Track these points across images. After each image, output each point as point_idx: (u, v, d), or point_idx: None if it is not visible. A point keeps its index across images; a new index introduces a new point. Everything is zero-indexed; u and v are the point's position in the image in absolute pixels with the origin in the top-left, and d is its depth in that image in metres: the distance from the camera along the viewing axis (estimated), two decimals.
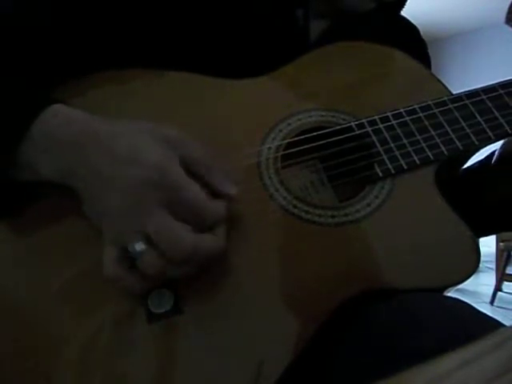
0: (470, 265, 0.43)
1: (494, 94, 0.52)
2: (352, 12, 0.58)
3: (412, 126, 0.50)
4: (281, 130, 0.48)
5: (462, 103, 0.51)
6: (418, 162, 0.48)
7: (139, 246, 0.36)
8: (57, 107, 0.40)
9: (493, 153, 0.58)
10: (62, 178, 0.39)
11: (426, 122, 0.50)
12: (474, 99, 0.52)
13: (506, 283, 3.26)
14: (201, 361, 0.37)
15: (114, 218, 0.37)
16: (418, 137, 0.49)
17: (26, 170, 0.40)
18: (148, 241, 0.36)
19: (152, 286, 0.38)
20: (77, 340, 0.37)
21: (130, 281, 0.37)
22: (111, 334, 0.38)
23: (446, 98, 0.52)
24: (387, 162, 0.47)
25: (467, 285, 3.12)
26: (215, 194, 0.40)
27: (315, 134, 0.48)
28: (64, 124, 0.39)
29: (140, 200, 0.36)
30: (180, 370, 0.37)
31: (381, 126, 0.49)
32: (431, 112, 0.51)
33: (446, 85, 0.54)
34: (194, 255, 0.37)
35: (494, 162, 0.57)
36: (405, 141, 0.49)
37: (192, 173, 0.39)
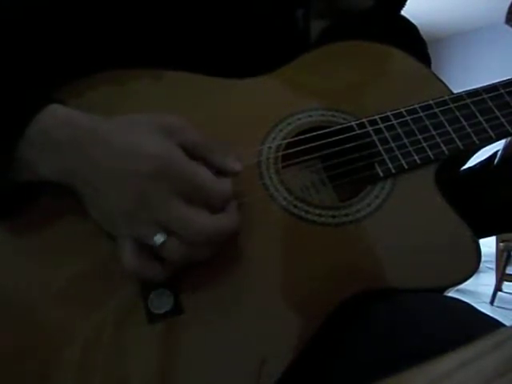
0: (471, 265, 0.43)
1: (495, 93, 0.52)
2: (352, 10, 0.58)
3: (413, 126, 0.49)
4: (281, 130, 0.48)
5: (462, 103, 0.51)
6: (418, 161, 0.47)
7: (159, 239, 0.37)
8: (55, 107, 0.40)
9: (495, 153, 0.58)
10: (61, 179, 0.39)
11: (427, 122, 0.50)
12: (475, 98, 0.52)
13: (506, 283, 3.26)
14: (201, 361, 0.37)
15: (123, 213, 0.37)
16: (419, 136, 0.49)
17: (25, 170, 0.40)
18: (166, 231, 0.37)
19: (175, 271, 0.38)
20: (77, 340, 0.37)
21: (152, 270, 0.38)
22: (112, 334, 0.38)
23: (446, 98, 0.52)
24: (388, 161, 0.47)
25: (467, 285, 3.10)
26: (219, 173, 0.40)
27: (316, 133, 0.48)
28: (62, 124, 0.39)
29: (146, 192, 0.37)
30: (181, 370, 0.37)
31: (381, 125, 0.49)
32: (432, 111, 0.51)
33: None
34: (213, 236, 0.37)
35: (497, 162, 0.57)
36: (405, 140, 0.49)
37: (194, 157, 0.39)
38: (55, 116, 0.39)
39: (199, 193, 0.38)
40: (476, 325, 0.35)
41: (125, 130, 0.39)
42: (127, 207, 0.37)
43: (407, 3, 0.64)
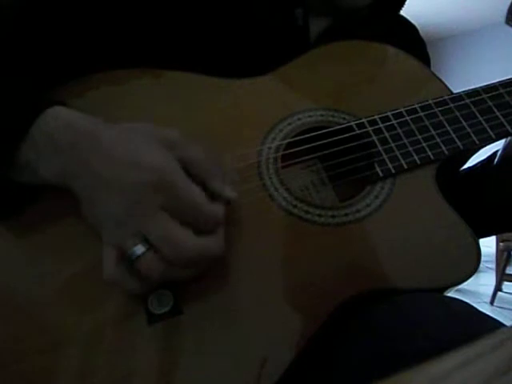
0: (471, 265, 0.43)
1: (494, 92, 0.52)
2: (350, 8, 0.57)
3: (412, 126, 0.49)
4: (281, 130, 0.48)
5: (462, 102, 0.51)
6: (418, 161, 0.47)
7: (138, 249, 0.36)
8: (57, 109, 0.40)
9: (494, 153, 0.58)
10: (60, 181, 0.39)
11: (427, 122, 0.50)
12: (475, 98, 0.52)
13: (506, 283, 3.26)
14: (201, 361, 0.37)
15: (114, 221, 0.37)
16: (419, 136, 0.49)
17: (26, 171, 0.40)
18: (148, 243, 0.36)
19: (152, 288, 0.38)
20: (77, 340, 0.37)
21: (129, 283, 0.37)
22: (112, 334, 0.38)
23: (446, 97, 0.52)
24: (387, 161, 0.47)
25: (467, 285, 3.12)
26: (214, 196, 0.39)
27: (315, 133, 0.48)
28: (64, 126, 0.39)
29: (140, 203, 0.36)
30: (181, 371, 0.37)
31: (381, 125, 0.49)
32: (432, 111, 0.51)
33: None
34: (194, 258, 0.37)
35: (496, 162, 0.57)
36: (405, 140, 0.49)
37: (192, 175, 0.38)
38: (57, 118, 0.39)
39: (189, 212, 0.37)
40: (476, 325, 0.35)
41: (126, 139, 0.38)
42: (117, 215, 0.37)
43: (407, 3, 0.64)
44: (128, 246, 0.36)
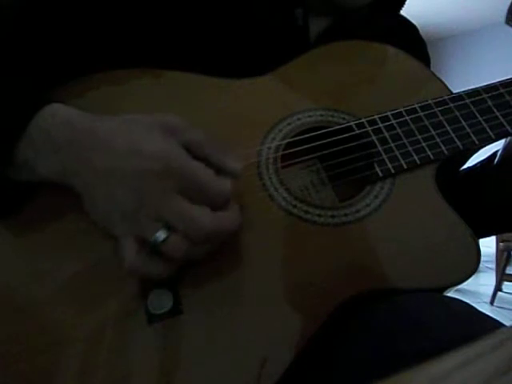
0: (471, 265, 0.43)
1: (494, 92, 0.52)
2: (350, 8, 0.57)
3: (412, 126, 0.49)
4: (280, 130, 0.48)
5: (462, 102, 0.51)
6: (418, 161, 0.47)
7: (161, 235, 0.37)
8: (55, 107, 0.40)
9: (494, 153, 0.58)
10: (60, 178, 0.39)
11: (426, 122, 0.50)
12: (475, 98, 0.52)
13: (506, 283, 3.26)
14: (201, 361, 0.37)
15: (125, 212, 0.37)
16: (418, 136, 0.49)
17: (24, 169, 0.40)
18: (168, 227, 0.37)
19: (176, 269, 0.38)
20: (77, 340, 0.37)
21: (153, 267, 0.38)
22: (111, 334, 0.38)
23: (446, 97, 0.52)
24: (387, 161, 0.47)
25: (467, 285, 3.12)
26: (219, 172, 0.40)
27: (315, 133, 0.48)
28: (62, 124, 0.39)
29: (150, 190, 0.37)
30: (181, 371, 0.37)
31: (381, 125, 0.49)
32: (431, 111, 0.51)
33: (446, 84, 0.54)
34: (214, 233, 0.37)
35: (496, 162, 0.57)
36: (405, 140, 0.49)
37: (195, 156, 0.39)
38: (55, 116, 0.39)
39: (200, 191, 0.38)
40: (476, 325, 0.35)
41: (125, 130, 0.39)
42: (129, 206, 0.37)
43: (407, 3, 0.64)
44: (149, 234, 0.37)
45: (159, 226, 0.37)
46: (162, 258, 0.37)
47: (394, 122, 0.49)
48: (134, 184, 0.37)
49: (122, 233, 0.38)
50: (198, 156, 0.39)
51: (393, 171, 0.47)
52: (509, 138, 0.55)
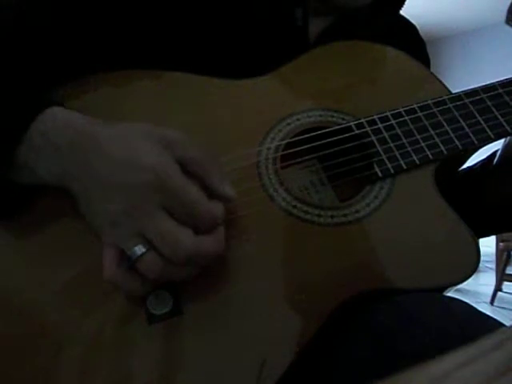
0: (470, 265, 0.43)
1: (493, 92, 0.52)
2: (350, 8, 0.57)
3: (411, 126, 0.49)
4: (280, 130, 0.48)
5: (461, 102, 0.51)
6: (417, 161, 0.47)
7: (139, 250, 0.36)
8: (56, 110, 0.40)
9: (494, 153, 0.58)
10: (59, 181, 0.39)
11: (426, 122, 0.50)
12: (474, 98, 0.52)
13: (506, 283, 3.26)
14: (201, 361, 0.37)
15: (113, 221, 0.37)
16: (418, 136, 0.49)
17: (24, 172, 0.40)
18: (148, 243, 0.36)
19: (152, 288, 0.38)
20: (78, 341, 0.37)
21: (130, 283, 0.37)
22: (112, 335, 0.38)
23: (445, 98, 0.52)
24: (386, 161, 0.47)
25: (467, 285, 3.12)
26: (213, 195, 0.39)
27: (314, 134, 0.48)
28: (62, 127, 0.39)
29: (139, 203, 0.36)
30: (181, 371, 0.37)
31: (380, 125, 0.49)
32: (430, 111, 0.51)
33: (446, 84, 0.54)
34: (194, 257, 0.37)
35: (496, 162, 0.57)
36: (404, 140, 0.49)
37: (190, 174, 0.38)
38: (55, 119, 0.39)
39: (188, 211, 0.37)
40: (476, 325, 0.35)
41: (124, 139, 0.38)
42: (115, 215, 0.37)
43: (407, 3, 0.64)
44: (128, 247, 0.36)
45: (139, 240, 0.36)
46: (139, 275, 0.37)
47: (393, 122, 0.50)
48: (122, 194, 0.36)
49: (107, 241, 0.38)
50: (193, 173, 0.38)
51: (392, 171, 0.47)
52: (508, 138, 0.55)
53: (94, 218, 0.39)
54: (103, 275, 0.37)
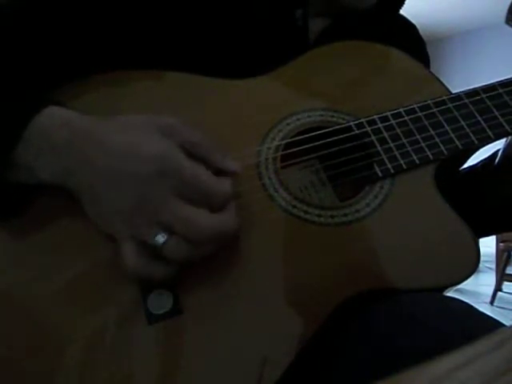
0: (470, 265, 0.43)
1: (493, 92, 0.52)
2: (351, 10, 0.57)
3: (411, 126, 0.49)
4: (280, 130, 0.48)
5: (461, 102, 0.51)
6: (417, 161, 0.47)
7: (161, 238, 0.37)
8: (53, 109, 0.40)
9: (495, 153, 0.58)
10: (59, 180, 0.39)
11: (426, 122, 0.50)
12: (474, 98, 0.52)
13: (506, 283, 3.26)
14: (202, 361, 0.37)
15: (126, 216, 0.37)
16: (418, 136, 0.49)
17: (23, 171, 0.40)
18: (167, 230, 0.37)
19: (176, 271, 0.38)
20: (78, 341, 0.37)
21: (155, 270, 0.38)
22: (112, 335, 0.38)
23: (445, 98, 0.52)
24: (386, 161, 0.47)
25: (467, 285, 3.12)
26: (217, 173, 0.40)
27: (315, 133, 0.48)
28: (59, 126, 0.39)
29: (148, 193, 0.37)
30: (181, 371, 0.37)
31: (380, 125, 0.49)
32: (430, 111, 0.51)
33: (446, 84, 0.54)
34: (214, 235, 0.37)
35: (498, 162, 0.57)
36: (404, 140, 0.49)
37: (193, 157, 0.39)
38: (53, 118, 0.39)
39: (199, 192, 0.38)
40: (476, 325, 0.35)
41: (123, 131, 0.39)
42: (127, 208, 0.37)
43: (407, 3, 0.64)
44: (149, 237, 0.37)
45: (158, 229, 0.37)
46: (163, 261, 0.37)
47: (393, 122, 0.50)
48: (131, 187, 0.37)
49: (121, 235, 0.38)
50: (195, 156, 0.39)
51: (392, 171, 0.47)
52: (509, 138, 0.55)
53: (101, 215, 0.39)
54: (127, 268, 0.37)
